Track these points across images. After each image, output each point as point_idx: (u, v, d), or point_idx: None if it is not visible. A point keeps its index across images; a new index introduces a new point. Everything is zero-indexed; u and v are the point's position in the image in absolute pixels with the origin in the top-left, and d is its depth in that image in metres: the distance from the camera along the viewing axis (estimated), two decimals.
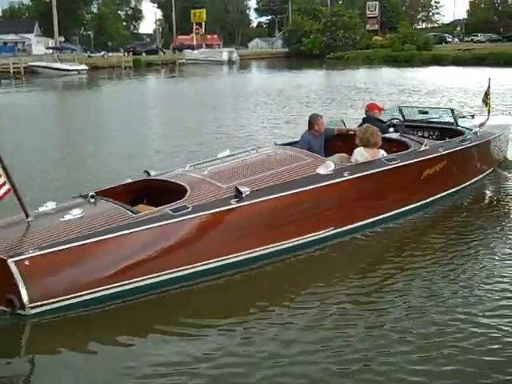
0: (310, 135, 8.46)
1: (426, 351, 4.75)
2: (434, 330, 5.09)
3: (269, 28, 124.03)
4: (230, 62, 70.93)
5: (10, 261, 5.30)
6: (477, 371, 4.51)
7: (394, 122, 9.73)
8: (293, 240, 6.84)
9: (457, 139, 9.15)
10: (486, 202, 9.46)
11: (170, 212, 6.14)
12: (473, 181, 9.72)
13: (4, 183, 5.66)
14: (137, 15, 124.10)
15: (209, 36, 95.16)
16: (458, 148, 8.91)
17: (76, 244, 5.57)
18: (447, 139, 9.17)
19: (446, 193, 8.91)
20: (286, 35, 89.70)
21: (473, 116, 11.44)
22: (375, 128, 8.08)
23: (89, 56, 68.32)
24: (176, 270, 5.98)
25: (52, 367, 4.71)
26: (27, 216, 6.00)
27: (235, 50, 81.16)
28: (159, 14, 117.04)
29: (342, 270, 6.48)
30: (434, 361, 4.64)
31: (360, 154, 7.89)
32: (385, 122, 9.43)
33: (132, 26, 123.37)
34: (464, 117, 10.86)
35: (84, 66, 55.33)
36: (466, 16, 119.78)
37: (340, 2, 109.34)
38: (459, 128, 9.75)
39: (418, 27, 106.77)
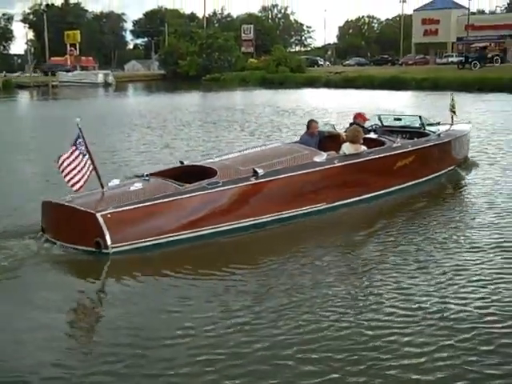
0: (307, 135, 10.84)
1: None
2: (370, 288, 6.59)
3: (145, 50, 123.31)
4: (106, 84, 69.82)
5: (97, 214, 7.57)
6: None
7: (375, 127, 12.18)
8: (294, 211, 9.15)
9: (422, 139, 11.64)
10: (444, 192, 11.51)
11: (206, 185, 8.46)
12: (436, 174, 11.93)
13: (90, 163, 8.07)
14: (7, 35, 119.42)
15: (84, 58, 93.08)
16: (423, 145, 11.34)
17: (143, 205, 7.91)
18: (415, 139, 11.57)
19: (414, 182, 11.19)
20: (163, 57, 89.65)
21: (438, 123, 13.84)
22: (359, 128, 10.65)
23: None
24: (211, 227, 8.30)
25: (124, 292, 6.65)
26: (103, 187, 8.28)
27: (111, 72, 79.97)
28: (31, 34, 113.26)
29: (326, 236, 8.66)
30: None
31: (347, 148, 10.21)
32: (367, 129, 11.62)
33: (1, 47, 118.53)
34: (431, 124, 13.29)
35: None
36: (336, 41, 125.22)
37: (216, 25, 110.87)
38: (426, 131, 12.22)
39: (291, 50, 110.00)
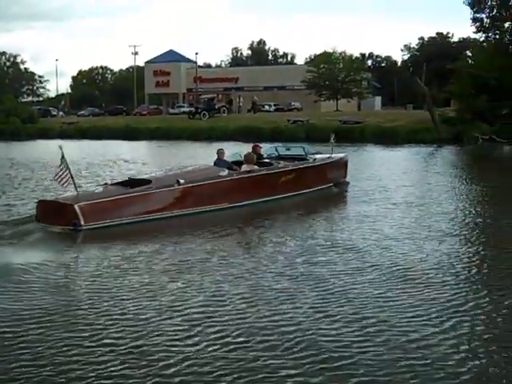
0: (218, 160, 14.95)
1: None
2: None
3: None
4: None
5: (75, 205, 11.65)
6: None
7: (272, 155, 16.82)
8: (204, 208, 13.39)
9: (302, 162, 16.24)
10: (318, 201, 15.59)
11: (144, 189, 12.80)
12: (313, 189, 16.20)
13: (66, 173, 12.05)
14: None
15: None
16: (300, 166, 15.92)
17: (104, 200, 12.24)
18: (296, 162, 16.10)
19: (294, 193, 15.36)
20: None
21: (317, 152, 18.15)
22: (253, 154, 15.20)
23: None
24: (147, 216, 12.52)
25: (90, 253, 10.05)
26: (77, 190, 12.26)
27: None
28: None
29: (220, 226, 12.07)
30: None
31: (244, 167, 14.76)
32: (262, 155, 16.20)
33: None
34: (315, 153, 17.75)
35: None
36: (70, 90, 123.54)
37: None
38: (307, 157, 16.69)
39: (23, 100, 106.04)
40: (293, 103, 71.53)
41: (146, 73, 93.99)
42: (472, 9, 41.55)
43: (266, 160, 16.00)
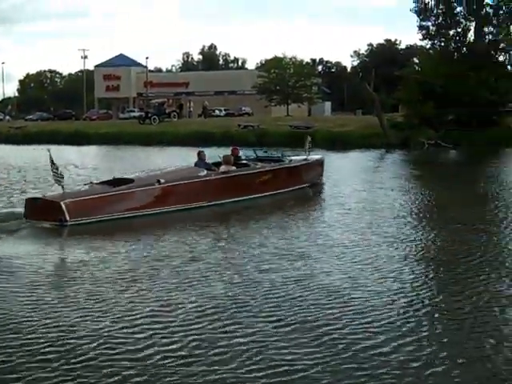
0: (198, 161, 15.98)
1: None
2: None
3: None
4: None
5: (61, 202, 12.54)
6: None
7: (250, 157, 17.96)
8: (184, 205, 14.21)
9: (277, 163, 17.41)
10: (293, 200, 16.43)
11: (127, 187, 13.75)
12: (289, 189, 17.00)
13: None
14: None
15: None
16: (275, 167, 17.01)
17: (87, 197, 13.22)
18: (272, 163, 17.24)
19: (271, 193, 16.18)
20: None
21: (295, 155, 19.67)
22: (230, 156, 16.37)
23: None
24: (128, 213, 13.40)
25: (74, 246, 11.05)
26: (63, 189, 12.97)
27: None
28: None
29: (198, 222, 13.21)
30: None
31: (222, 168, 15.73)
32: (240, 157, 17.44)
33: None
34: (289, 156, 18.97)
35: None
36: (17, 94, 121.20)
37: None
38: (283, 159, 17.92)
39: None
40: (243, 108, 71.75)
41: (96, 77, 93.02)
42: (418, 16, 42.62)
43: (244, 161, 17.00)
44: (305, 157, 18.67)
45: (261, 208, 15.17)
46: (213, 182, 15.15)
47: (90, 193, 13.59)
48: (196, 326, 6.70)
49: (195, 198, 14.42)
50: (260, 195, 15.90)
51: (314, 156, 19.81)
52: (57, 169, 12.85)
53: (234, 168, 15.87)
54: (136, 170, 16.72)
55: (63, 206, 12.48)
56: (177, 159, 23.58)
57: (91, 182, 14.73)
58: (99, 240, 11.41)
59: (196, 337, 6.38)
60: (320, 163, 19.71)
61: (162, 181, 14.07)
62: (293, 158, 18.63)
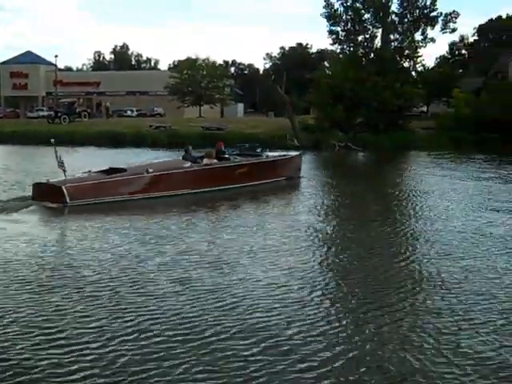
0: (186, 154, 18.34)
1: None
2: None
3: None
4: None
5: (62, 186, 15.09)
6: None
7: (233, 152, 20.23)
8: (169, 192, 16.42)
9: (255, 157, 19.96)
10: (271, 190, 18.73)
11: (119, 175, 16.20)
12: (266, 181, 19.13)
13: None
14: None
15: None
16: (252, 161, 19.41)
17: (86, 183, 15.77)
18: (249, 158, 19.76)
19: (250, 183, 18.38)
20: None
21: (272, 151, 22.30)
22: (212, 150, 18.90)
23: None
24: (121, 197, 15.78)
25: (73, 223, 13.55)
26: (65, 176, 15.46)
27: None
28: None
29: (183, 206, 15.46)
30: None
31: (205, 161, 18.20)
32: (224, 151, 19.48)
33: None
34: (269, 151, 21.52)
35: None
36: None
37: None
38: (261, 154, 20.51)
39: None
40: (156, 109, 71.19)
41: (2, 74, 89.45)
42: (328, 21, 43.57)
43: (226, 156, 19.19)
44: (284, 153, 21.66)
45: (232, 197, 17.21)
46: (195, 172, 17.50)
47: (87, 179, 15.98)
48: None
49: (179, 186, 16.67)
50: (237, 185, 17.95)
51: (292, 152, 22.42)
52: (60, 158, 15.28)
53: (215, 161, 18.31)
54: (45, 169, 17.50)
55: (64, 190, 14.98)
56: (89, 160, 23.10)
57: (89, 171, 16.74)
58: (93, 218, 13.68)
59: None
60: (296, 160, 21.64)
61: (151, 170, 16.51)
62: (270, 153, 20.89)
